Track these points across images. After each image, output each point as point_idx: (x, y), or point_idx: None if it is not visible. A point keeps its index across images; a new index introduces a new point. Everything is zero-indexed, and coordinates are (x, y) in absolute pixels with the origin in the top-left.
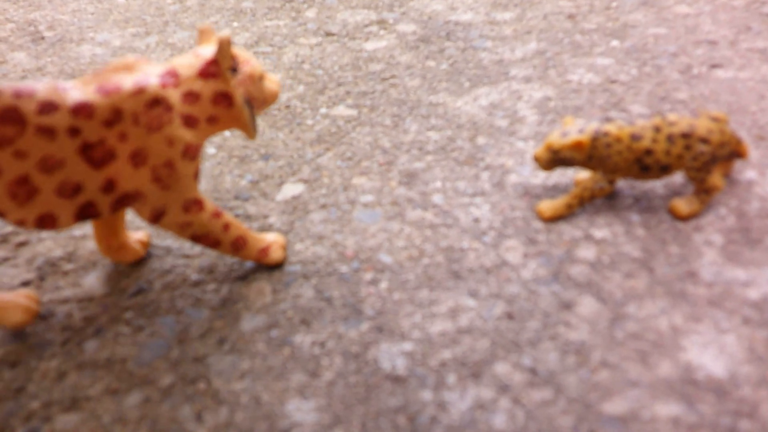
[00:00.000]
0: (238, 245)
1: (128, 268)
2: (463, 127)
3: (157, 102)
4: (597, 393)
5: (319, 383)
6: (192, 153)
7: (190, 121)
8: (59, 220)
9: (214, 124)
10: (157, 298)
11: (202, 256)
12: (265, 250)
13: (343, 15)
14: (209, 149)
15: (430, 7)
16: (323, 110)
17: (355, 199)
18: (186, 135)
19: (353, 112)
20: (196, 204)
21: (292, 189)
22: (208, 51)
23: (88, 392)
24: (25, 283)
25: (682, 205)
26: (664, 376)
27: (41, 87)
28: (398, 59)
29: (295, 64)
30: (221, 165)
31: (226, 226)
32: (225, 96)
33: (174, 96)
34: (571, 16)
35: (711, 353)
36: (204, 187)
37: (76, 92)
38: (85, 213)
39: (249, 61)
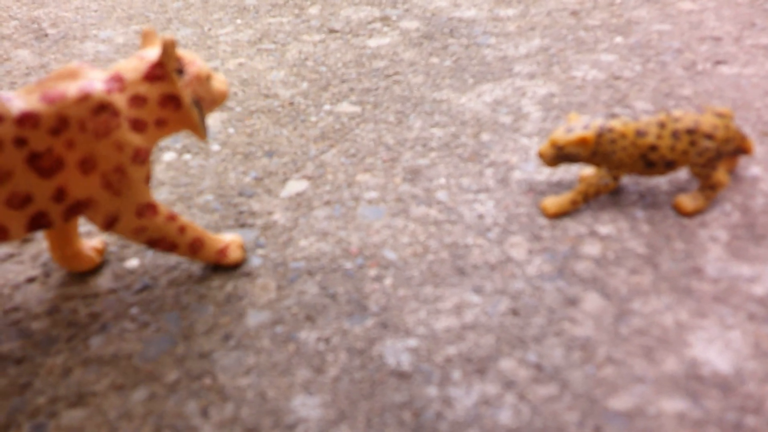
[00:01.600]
0: (195, 247)
1: (131, 266)
2: (467, 124)
3: (103, 107)
4: (602, 388)
5: (324, 379)
6: (142, 157)
7: (138, 125)
8: (10, 231)
9: (163, 126)
10: (162, 294)
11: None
12: (222, 251)
13: (347, 12)
14: (213, 146)
15: (433, 4)
16: (327, 107)
17: (359, 196)
18: (135, 139)
19: (357, 109)
20: (150, 208)
21: (296, 186)
22: (152, 53)
23: (94, 388)
24: (30, 280)
25: (687, 201)
26: (670, 371)
27: None
28: (402, 56)
29: (298, 61)
30: (225, 162)
31: (182, 229)
32: (172, 98)
33: (120, 100)
34: (574, 13)
35: (716, 349)
36: (208, 184)
37: (19, 102)
38: (37, 223)
39: (194, 61)
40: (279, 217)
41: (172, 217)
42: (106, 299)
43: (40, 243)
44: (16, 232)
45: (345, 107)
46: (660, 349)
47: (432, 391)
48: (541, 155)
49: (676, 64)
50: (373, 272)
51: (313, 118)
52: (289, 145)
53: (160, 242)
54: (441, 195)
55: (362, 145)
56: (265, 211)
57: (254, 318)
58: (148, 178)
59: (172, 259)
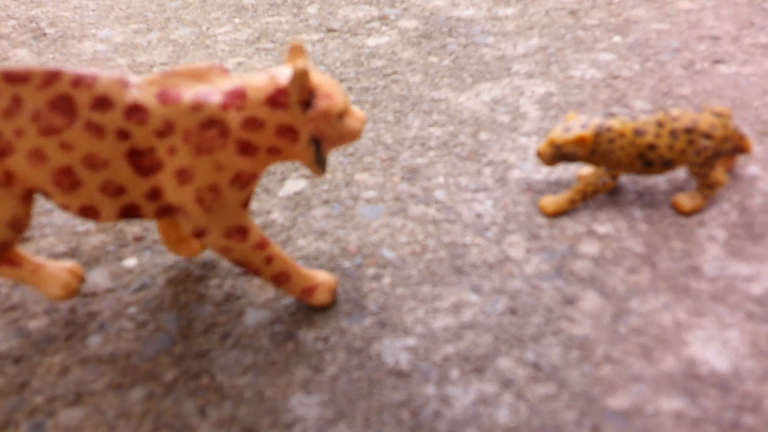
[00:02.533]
0: (280, 280)
1: (129, 265)
2: (466, 123)
3: (212, 123)
4: (600, 387)
5: (323, 378)
6: (243, 181)
7: (247, 149)
8: (101, 214)
9: (276, 155)
10: (160, 293)
11: (204, 251)
12: (309, 291)
13: (345, 11)
14: None
15: (431, 3)
16: None
17: (358, 195)
18: (239, 162)
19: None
20: (240, 232)
21: (294, 185)
22: (285, 74)
23: (92, 387)
24: None
25: (685, 200)
26: (668, 370)
27: (104, 78)
28: (400, 55)
29: None
30: None
31: (269, 259)
32: (290, 130)
33: (234, 119)
34: (573, 12)
35: (714, 348)
36: None
37: (136, 91)
38: (129, 213)
39: (331, 95)
40: (277, 216)
41: (261, 245)
42: (104, 298)
43: (39, 242)
44: (107, 216)
45: None
46: (658, 348)
47: (430, 389)
48: (539, 154)
49: (675, 63)
50: (371, 271)
51: None
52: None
53: (245, 266)
54: (439, 194)
55: (361, 144)
56: (264, 211)
57: (252, 317)
58: (246, 202)
59: (170, 258)
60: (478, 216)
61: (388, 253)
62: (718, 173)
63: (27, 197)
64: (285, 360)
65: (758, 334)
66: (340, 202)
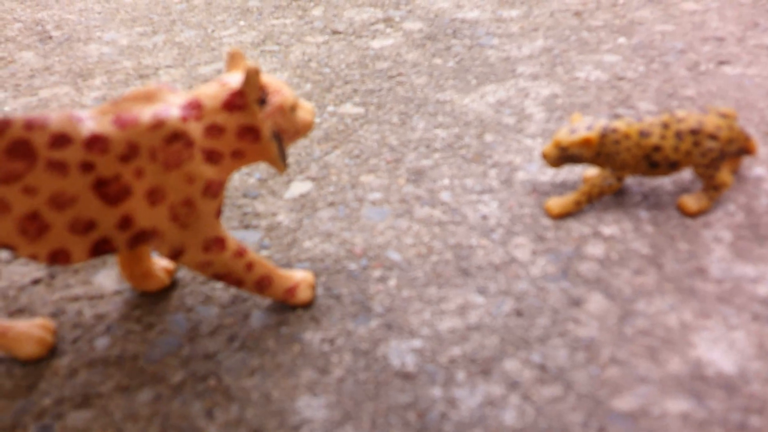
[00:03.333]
0: (263, 285)
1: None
2: (471, 125)
3: (176, 137)
4: (606, 389)
5: (329, 380)
6: (214, 190)
7: (213, 157)
8: (72, 255)
9: (240, 158)
10: (167, 295)
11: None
12: (291, 290)
13: (350, 13)
14: None
15: (436, 5)
16: (330, 108)
17: (363, 197)
18: (207, 171)
19: (360, 110)
20: (217, 243)
21: (300, 187)
22: (234, 80)
23: (100, 389)
24: (36, 281)
25: (691, 201)
26: (674, 372)
27: (55, 117)
28: (405, 57)
29: (302, 62)
30: None
31: (249, 266)
32: (251, 130)
33: (196, 130)
34: (577, 14)
35: (720, 349)
36: None
37: (91, 123)
38: (101, 249)
39: (280, 90)
40: (283, 218)
41: (240, 253)
42: (111, 301)
43: None
44: (79, 257)
45: (348, 108)
46: (664, 349)
47: (436, 391)
48: (544, 156)
49: (680, 64)
50: (377, 273)
51: (317, 120)
52: (292, 146)
53: (225, 277)
54: (445, 196)
55: (366, 146)
56: (270, 213)
57: (259, 319)
58: (218, 212)
59: None
60: (484, 218)
61: (393, 255)
62: (724, 174)
63: None
64: (291, 362)
65: (764, 335)
66: (346, 204)
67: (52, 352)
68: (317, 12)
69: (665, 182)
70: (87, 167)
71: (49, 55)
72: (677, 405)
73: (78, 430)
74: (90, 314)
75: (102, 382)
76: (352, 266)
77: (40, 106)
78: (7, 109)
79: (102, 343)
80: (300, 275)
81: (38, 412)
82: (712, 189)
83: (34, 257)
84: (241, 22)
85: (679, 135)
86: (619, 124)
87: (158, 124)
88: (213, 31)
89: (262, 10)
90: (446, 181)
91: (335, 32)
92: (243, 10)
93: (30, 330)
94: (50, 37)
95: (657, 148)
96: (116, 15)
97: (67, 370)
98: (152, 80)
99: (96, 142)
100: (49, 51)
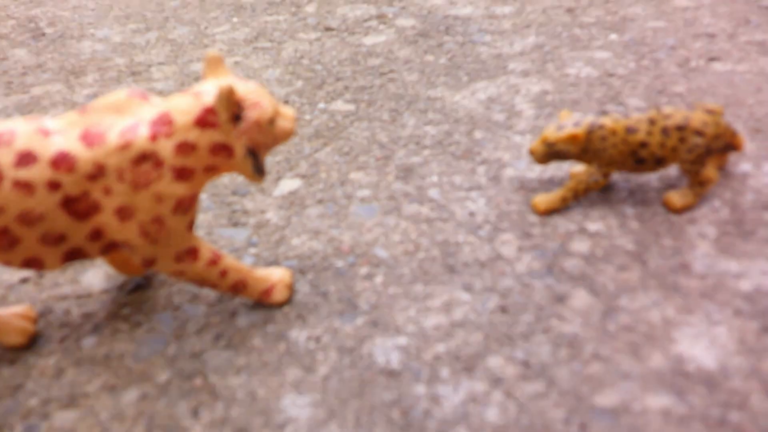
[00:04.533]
0: (237, 288)
1: None
2: (461, 122)
3: (144, 158)
4: (589, 385)
5: (315, 378)
6: (185, 206)
7: (183, 174)
8: (46, 263)
9: (213, 172)
10: (154, 294)
11: None
12: (267, 292)
13: (343, 10)
14: None
15: (429, 2)
16: (321, 105)
17: (352, 194)
18: (178, 189)
19: (351, 107)
20: (190, 254)
21: (289, 184)
22: (210, 91)
23: (86, 389)
24: (24, 280)
25: (676, 198)
26: (656, 368)
27: (21, 131)
28: (397, 54)
29: (294, 59)
30: None
31: (223, 273)
32: (224, 147)
33: (165, 148)
34: (570, 10)
35: (702, 345)
36: None
37: (58, 138)
38: (74, 256)
39: (258, 103)
40: (272, 215)
41: (213, 261)
42: (98, 299)
43: None
44: (52, 265)
45: (339, 105)
46: (646, 345)
47: (420, 389)
48: (532, 152)
49: (670, 61)
50: (364, 270)
51: (308, 117)
52: (282, 144)
53: (200, 283)
54: (433, 193)
55: (356, 143)
56: (258, 210)
57: (245, 318)
58: (191, 225)
59: None
60: (471, 214)
61: (381, 252)
62: (709, 171)
63: None
64: (277, 360)
65: (746, 330)
66: (335, 201)
67: (38, 352)
68: (310, 8)
69: (651, 178)
70: (54, 186)
71: (42, 53)
72: (658, 401)
73: (64, 430)
74: (77, 313)
75: (89, 382)
76: (340, 263)
77: (32, 103)
78: None
79: (89, 342)
80: (277, 276)
81: (25, 412)
82: (698, 185)
83: (8, 263)
84: (234, 19)
85: (665, 131)
86: (606, 121)
87: (126, 145)
88: (206, 27)
89: (255, 7)
90: (435, 178)
91: (328, 29)
92: (236, 6)
93: (12, 320)
94: (43, 34)
95: (643, 144)
96: (109, 12)
97: (54, 369)
98: (144, 77)
99: (62, 160)
100: (42, 48)
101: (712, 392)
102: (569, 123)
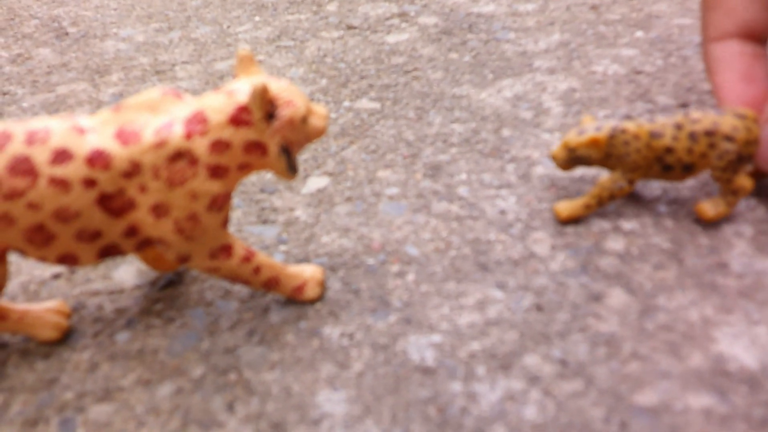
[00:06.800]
0: (270, 285)
1: None
2: (488, 119)
3: (179, 155)
4: (628, 384)
5: (349, 374)
6: (219, 204)
7: (218, 172)
8: (80, 259)
9: (247, 169)
10: (186, 290)
11: None
12: (299, 288)
13: (365, 8)
14: None
15: (450, 0)
16: (346, 103)
17: (380, 192)
18: (213, 187)
19: (376, 105)
20: (224, 251)
21: (317, 182)
22: (243, 89)
23: (121, 383)
24: (56, 276)
25: (708, 207)
26: (696, 367)
27: (56, 129)
28: (420, 52)
29: (317, 57)
30: None
31: (257, 270)
32: (258, 145)
33: (200, 146)
34: (594, 7)
35: (742, 344)
36: None
37: (93, 137)
38: (108, 253)
39: (291, 101)
40: (301, 213)
41: (247, 259)
42: (131, 295)
43: None
44: (87, 260)
45: (364, 104)
46: (685, 344)
47: (456, 386)
48: (554, 158)
49: (698, 58)
50: (395, 268)
51: (333, 115)
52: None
53: (233, 279)
54: (462, 191)
55: (382, 141)
56: (287, 208)
57: (278, 314)
58: (225, 222)
59: None
60: (502, 212)
61: (411, 250)
62: (743, 179)
63: (0, 257)
64: (311, 356)
65: None
66: (363, 199)
67: (72, 346)
68: (332, 7)
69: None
70: (89, 183)
71: (66, 52)
72: (700, 400)
73: (100, 423)
74: (110, 309)
75: (123, 376)
76: (370, 261)
77: (57, 102)
78: (25, 105)
79: (123, 337)
80: (309, 273)
81: (60, 406)
82: (731, 194)
83: (43, 259)
84: (256, 18)
85: (692, 136)
86: (629, 125)
87: (161, 144)
88: (228, 27)
89: (277, 6)
90: (463, 176)
91: (350, 27)
92: (258, 5)
93: (45, 315)
94: (66, 34)
95: (669, 150)
96: (132, 11)
97: (89, 364)
98: (168, 76)
99: (98, 158)
100: (66, 47)
101: (754, 392)
102: (591, 128)
